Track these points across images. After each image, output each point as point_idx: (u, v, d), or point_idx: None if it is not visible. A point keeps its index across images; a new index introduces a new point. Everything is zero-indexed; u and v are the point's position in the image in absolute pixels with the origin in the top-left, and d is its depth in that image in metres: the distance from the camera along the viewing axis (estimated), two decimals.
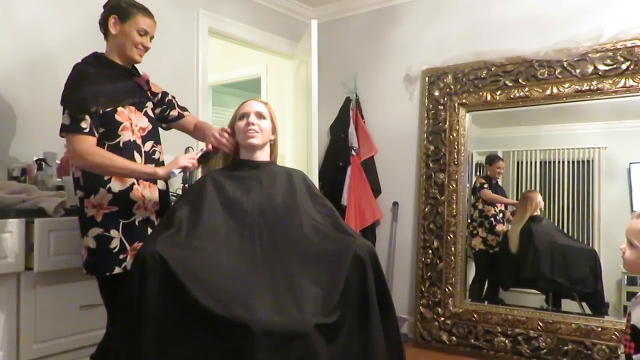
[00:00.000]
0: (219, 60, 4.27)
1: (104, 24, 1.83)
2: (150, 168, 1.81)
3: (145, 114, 1.90)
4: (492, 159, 3.32)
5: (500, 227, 3.26)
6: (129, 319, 1.52)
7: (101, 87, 1.74)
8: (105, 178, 1.75)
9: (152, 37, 1.87)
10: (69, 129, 1.69)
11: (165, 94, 2.05)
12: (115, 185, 1.76)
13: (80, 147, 1.68)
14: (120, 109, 1.78)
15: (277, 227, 1.75)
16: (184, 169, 1.83)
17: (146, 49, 1.86)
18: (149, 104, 1.94)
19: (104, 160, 1.69)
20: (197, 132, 2.07)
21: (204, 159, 1.96)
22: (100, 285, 1.81)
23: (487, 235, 3.27)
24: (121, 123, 1.78)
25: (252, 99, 1.98)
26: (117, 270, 1.73)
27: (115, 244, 1.74)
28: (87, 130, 1.69)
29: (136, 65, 1.93)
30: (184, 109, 2.11)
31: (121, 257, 1.75)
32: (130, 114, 1.82)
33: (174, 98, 2.09)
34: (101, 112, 1.72)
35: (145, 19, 1.82)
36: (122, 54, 1.83)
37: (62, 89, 1.74)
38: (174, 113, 2.06)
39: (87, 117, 1.69)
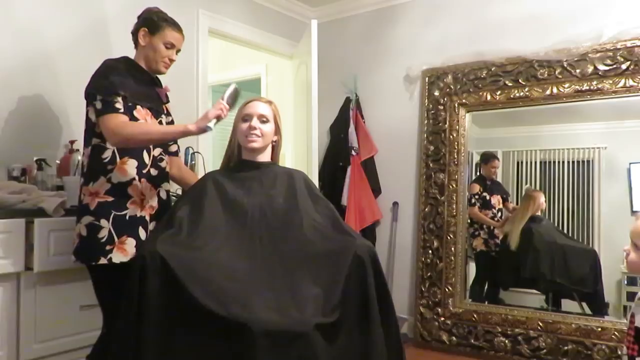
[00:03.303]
0: (219, 60, 4.27)
1: (134, 35, 1.93)
2: (181, 126, 1.78)
3: (160, 122, 1.96)
4: (487, 157, 3.32)
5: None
6: (128, 318, 1.52)
7: (127, 81, 1.81)
8: (109, 167, 1.78)
9: (178, 51, 1.97)
10: (104, 111, 1.73)
11: (173, 123, 2.09)
12: (116, 176, 1.79)
13: (112, 123, 1.71)
14: (139, 107, 1.84)
15: (278, 228, 1.75)
16: (218, 119, 1.78)
17: (172, 61, 1.96)
18: (163, 117, 2.00)
19: (135, 129, 1.73)
20: (180, 175, 2.11)
21: (233, 100, 1.84)
22: (90, 275, 1.82)
23: (488, 237, 3.27)
24: (138, 120, 1.83)
25: (256, 98, 1.96)
26: (102, 260, 1.74)
27: (103, 233, 1.75)
28: (121, 110, 1.74)
29: None
30: (179, 150, 2.16)
31: (107, 248, 1.75)
32: (147, 115, 1.88)
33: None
34: (126, 101, 1.78)
35: (173, 33, 1.93)
36: (148, 64, 1.93)
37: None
38: (174, 148, 2.10)
39: (120, 99, 1.75)
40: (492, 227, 3.26)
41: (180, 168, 2.15)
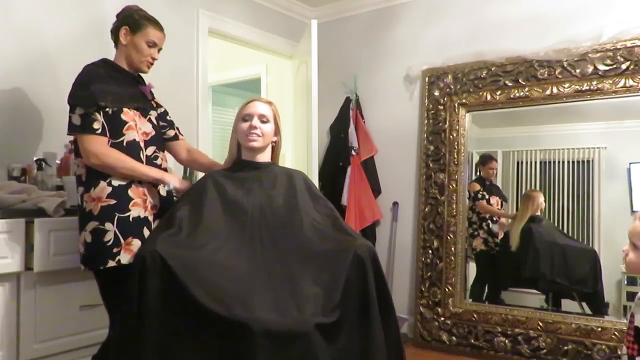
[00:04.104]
0: (219, 60, 4.27)
1: (115, 33, 1.91)
2: (159, 173, 1.87)
3: (149, 120, 1.95)
4: (485, 159, 3.32)
5: (497, 228, 3.26)
6: (128, 318, 1.52)
7: (109, 87, 1.80)
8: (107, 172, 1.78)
9: (160, 49, 1.95)
10: (81, 130, 1.74)
11: (167, 112, 2.10)
12: (116, 180, 1.79)
13: (93, 147, 1.73)
14: (125, 109, 1.83)
15: (278, 228, 1.75)
16: (176, 190, 1.94)
17: (154, 60, 1.94)
18: (153, 113, 1.99)
19: (117, 161, 1.75)
20: (191, 158, 2.13)
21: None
22: (97, 279, 1.83)
23: (488, 237, 3.27)
24: (127, 122, 1.82)
25: (256, 99, 1.97)
26: (111, 263, 1.74)
27: (109, 237, 1.75)
28: (99, 131, 1.75)
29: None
30: (180, 133, 2.15)
31: (115, 250, 1.75)
32: (135, 116, 1.87)
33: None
34: (108, 110, 1.77)
35: (155, 32, 1.91)
36: (130, 63, 1.91)
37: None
38: (171, 133, 2.10)
39: (99, 116, 1.75)
40: (491, 227, 3.26)
41: (190, 151, 2.14)
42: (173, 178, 1.92)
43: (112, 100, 1.78)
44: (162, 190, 1.99)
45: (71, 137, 2.36)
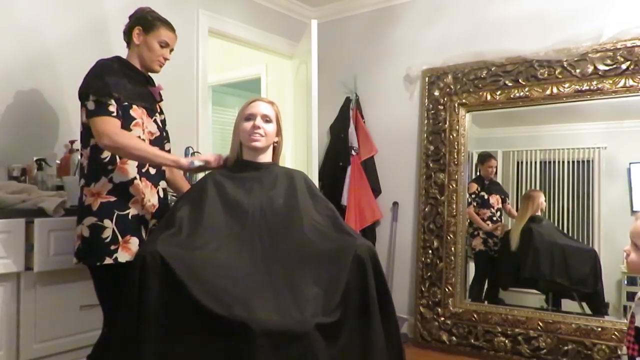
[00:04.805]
0: (219, 60, 4.27)
1: (128, 34, 1.93)
2: (173, 156, 1.86)
3: (155, 121, 1.96)
4: (484, 157, 3.33)
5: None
6: (128, 318, 1.52)
7: (122, 81, 1.81)
8: (109, 167, 1.79)
9: (172, 50, 1.99)
10: (96, 113, 1.74)
11: (165, 122, 2.10)
12: (117, 176, 1.79)
13: (106, 127, 1.72)
14: (135, 106, 1.85)
15: (278, 228, 1.75)
16: (206, 163, 1.88)
17: (166, 60, 1.97)
18: (157, 116, 2.00)
19: (129, 141, 1.74)
20: (172, 178, 2.12)
21: (225, 164, 1.95)
22: (92, 276, 1.83)
23: (487, 237, 3.27)
24: (135, 119, 1.83)
25: (259, 99, 1.97)
26: (108, 260, 1.74)
27: (107, 234, 1.75)
28: (114, 114, 1.75)
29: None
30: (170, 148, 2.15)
31: (112, 247, 1.75)
32: (142, 115, 1.89)
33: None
34: (121, 101, 1.78)
35: (167, 32, 1.95)
36: (142, 63, 1.94)
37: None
38: (167, 147, 2.09)
39: (114, 102, 1.75)
40: (489, 226, 3.26)
41: (172, 170, 2.14)
42: (195, 157, 1.88)
43: (123, 95, 1.79)
44: (161, 191, 1.98)
45: (71, 137, 2.39)
